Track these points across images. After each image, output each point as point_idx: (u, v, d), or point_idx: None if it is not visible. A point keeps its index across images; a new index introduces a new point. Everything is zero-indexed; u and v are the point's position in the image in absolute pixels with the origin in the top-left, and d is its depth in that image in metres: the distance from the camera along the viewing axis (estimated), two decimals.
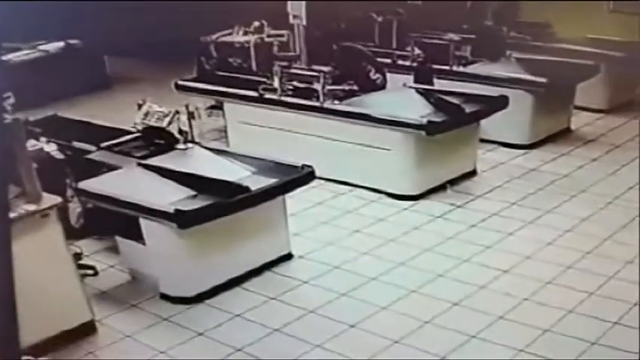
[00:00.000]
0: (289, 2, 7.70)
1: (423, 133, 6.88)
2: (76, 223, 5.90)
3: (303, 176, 5.93)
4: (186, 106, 6.27)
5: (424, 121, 6.96)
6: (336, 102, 7.46)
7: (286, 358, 4.83)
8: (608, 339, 4.82)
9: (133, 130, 6.51)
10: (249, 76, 8.31)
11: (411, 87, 8.00)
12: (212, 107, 8.77)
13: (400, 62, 8.89)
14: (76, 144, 6.42)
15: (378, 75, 8.15)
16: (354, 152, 7.28)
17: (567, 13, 10.03)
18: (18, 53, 10.64)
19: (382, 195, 7.19)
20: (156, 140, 6.37)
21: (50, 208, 4.84)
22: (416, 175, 7.14)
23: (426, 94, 7.75)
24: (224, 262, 5.63)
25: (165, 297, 5.54)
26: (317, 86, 7.47)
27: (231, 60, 8.76)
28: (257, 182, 5.70)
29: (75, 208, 5.87)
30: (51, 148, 5.76)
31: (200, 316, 5.34)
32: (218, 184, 5.60)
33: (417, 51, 8.80)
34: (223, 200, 5.42)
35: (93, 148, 6.37)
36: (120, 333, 5.17)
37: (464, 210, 6.90)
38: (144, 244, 5.50)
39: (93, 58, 11.58)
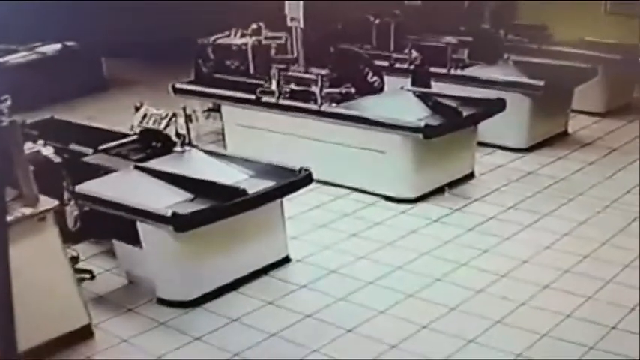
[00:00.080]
0: (287, 5, 7.69)
1: (421, 136, 6.87)
2: (73, 227, 5.88)
3: (300, 179, 5.93)
4: (184, 109, 6.26)
5: (422, 124, 6.96)
6: (333, 105, 7.45)
7: None
8: (606, 343, 4.82)
9: (131, 132, 6.51)
10: (246, 79, 8.31)
11: (408, 90, 8.01)
12: (209, 110, 8.76)
13: (398, 65, 8.89)
14: (74, 147, 6.40)
15: (375, 78, 8.14)
16: (352, 155, 7.27)
17: (564, 15, 10.05)
18: (15, 55, 10.65)
19: (380, 198, 7.18)
20: (153, 143, 6.36)
21: (47, 211, 4.83)
22: (413, 179, 7.14)
23: (423, 97, 7.76)
24: (221, 265, 5.62)
25: (162, 301, 5.52)
26: (314, 89, 7.47)
27: (228, 62, 8.75)
28: (254, 185, 5.70)
29: (72, 211, 5.85)
30: (48, 151, 5.73)
31: (197, 321, 5.32)
32: (215, 187, 5.59)
33: (415, 54, 8.80)
34: (220, 204, 5.41)
35: (90, 151, 6.35)
36: (117, 337, 5.16)
37: (461, 213, 6.89)
38: (141, 247, 5.48)
39: (90, 60, 11.56)
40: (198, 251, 5.48)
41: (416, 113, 7.40)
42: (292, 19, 7.74)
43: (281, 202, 5.93)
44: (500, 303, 5.36)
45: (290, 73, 7.80)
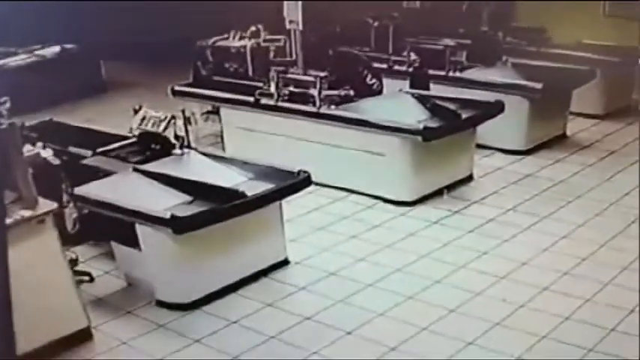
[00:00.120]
0: (285, 7, 7.70)
1: (420, 138, 6.88)
2: (72, 229, 5.87)
3: (299, 182, 5.93)
4: (183, 112, 6.26)
5: (421, 126, 6.97)
6: (332, 107, 7.46)
7: None
8: (605, 345, 4.82)
9: (129, 135, 6.51)
10: (245, 81, 8.31)
11: (407, 92, 8.01)
12: (208, 112, 8.77)
13: (396, 67, 8.90)
14: (73, 149, 6.40)
15: (374, 80, 8.15)
16: (351, 158, 7.27)
17: (563, 17, 10.06)
18: (14, 58, 10.66)
19: (379, 201, 7.19)
20: (152, 145, 6.36)
21: (46, 213, 4.83)
22: (412, 181, 7.14)
23: (422, 100, 7.76)
24: (220, 268, 5.61)
25: (161, 303, 5.51)
26: (313, 91, 7.47)
27: (227, 65, 8.75)
28: (253, 188, 5.70)
29: (71, 213, 5.84)
30: (47, 154, 5.73)
31: (196, 323, 5.32)
32: (214, 189, 5.59)
33: (413, 56, 8.81)
34: (219, 206, 5.41)
35: (89, 153, 6.36)
36: (116, 340, 5.15)
37: (460, 216, 6.90)
38: (140, 249, 5.48)
39: (89, 62, 11.57)
40: (197, 253, 5.48)
41: (415, 116, 7.41)
42: (291, 21, 7.74)
43: (280, 205, 5.93)
44: (499, 305, 5.36)
45: (289, 76, 7.80)
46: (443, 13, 9.97)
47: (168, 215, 5.14)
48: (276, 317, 5.36)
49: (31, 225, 4.73)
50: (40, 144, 5.83)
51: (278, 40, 8.39)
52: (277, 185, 5.79)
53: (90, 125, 7.50)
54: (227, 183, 5.75)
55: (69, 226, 5.87)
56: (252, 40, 8.57)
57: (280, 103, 7.70)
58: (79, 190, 5.65)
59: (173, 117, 6.22)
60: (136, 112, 6.46)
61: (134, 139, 6.47)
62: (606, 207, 6.92)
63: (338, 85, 7.65)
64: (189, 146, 6.32)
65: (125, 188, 5.71)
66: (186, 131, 6.28)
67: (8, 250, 3.52)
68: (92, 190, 5.65)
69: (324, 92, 7.46)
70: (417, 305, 5.45)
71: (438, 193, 7.25)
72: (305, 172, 5.93)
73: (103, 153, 6.35)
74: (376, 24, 9.32)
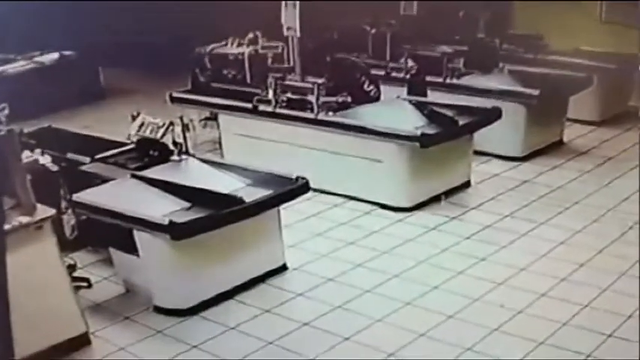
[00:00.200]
0: (283, 14, 7.71)
1: (417, 145, 6.89)
2: (71, 235, 5.88)
3: (297, 188, 5.94)
4: (181, 118, 6.27)
5: (418, 132, 6.99)
6: (330, 114, 7.47)
7: None
8: (603, 352, 4.82)
9: (128, 141, 6.51)
10: (243, 88, 8.32)
11: (404, 99, 8.03)
12: (206, 119, 8.77)
13: (394, 74, 8.92)
14: (71, 156, 6.41)
15: (371, 87, 8.17)
16: (348, 164, 7.28)
17: (560, 24, 10.08)
18: (13, 64, 10.66)
19: (376, 207, 7.19)
20: (150, 152, 6.37)
21: (44, 220, 4.82)
22: (410, 187, 7.15)
23: (419, 106, 7.78)
24: (218, 274, 5.62)
25: (159, 309, 5.52)
26: (311, 98, 7.49)
27: (225, 71, 8.76)
28: (251, 194, 5.71)
29: (69, 219, 5.86)
30: (45, 160, 5.74)
31: (194, 329, 5.32)
32: (212, 195, 5.60)
33: (411, 63, 8.84)
34: (217, 212, 5.41)
35: (87, 159, 6.36)
36: (114, 345, 5.15)
37: (458, 222, 6.90)
38: (138, 256, 5.48)
39: (88, 69, 11.58)
40: (195, 259, 5.48)
41: (412, 122, 7.43)
42: (289, 28, 7.75)
43: (278, 211, 5.93)
44: (497, 311, 5.36)
45: (287, 82, 7.81)
46: (440, 20, 9.98)
47: (166, 221, 5.15)
48: (275, 323, 5.36)
49: (29, 231, 4.73)
50: (38, 150, 5.85)
51: (276, 47, 8.41)
52: (275, 191, 5.80)
53: (88, 132, 7.51)
54: (225, 189, 5.77)
55: (67, 232, 5.88)
56: (250, 47, 8.58)
57: (278, 110, 7.72)
58: (78, 197, 5.66)
59: (171, 123, 6.23)
60: (134, 118, 6.47)
61: (132, 146, 6.48)
62: (604, 213, 6.93)
63: (336, 92, 7.66)
64: (187, 152, 6.32)
65: (123, 194, 5.72)
66: (185, 138, 6.28)
67: (7, 256, 3.53)
68: (90, 196, 5.65)
69: (322, 99, 7.48)
70: (415, 311, 5.45)
71: (435, 200, 7.26)
72: (303, 178, 5.94)
73: (102, 159, 6.35)
74: (373, 31, 9.34)
